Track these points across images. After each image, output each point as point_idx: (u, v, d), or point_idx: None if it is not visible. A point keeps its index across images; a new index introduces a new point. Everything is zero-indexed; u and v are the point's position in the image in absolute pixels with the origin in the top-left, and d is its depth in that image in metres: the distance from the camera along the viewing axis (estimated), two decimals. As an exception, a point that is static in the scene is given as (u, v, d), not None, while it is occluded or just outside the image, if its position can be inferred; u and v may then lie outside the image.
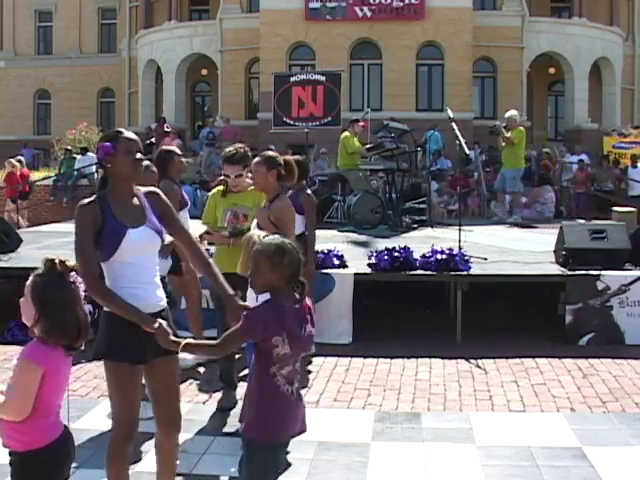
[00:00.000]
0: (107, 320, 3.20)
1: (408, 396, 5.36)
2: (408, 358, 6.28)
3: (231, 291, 3.20)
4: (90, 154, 18.57)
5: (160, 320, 3.00)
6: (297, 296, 2.86)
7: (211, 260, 3.37)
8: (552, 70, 24.14)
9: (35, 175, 19.48)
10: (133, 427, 3.21)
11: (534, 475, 3.99)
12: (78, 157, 18.39)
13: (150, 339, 3.04)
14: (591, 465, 4.10)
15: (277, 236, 2.96)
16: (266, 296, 3.04)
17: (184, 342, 2.89)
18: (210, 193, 5.31)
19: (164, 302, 3.31)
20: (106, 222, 3.14)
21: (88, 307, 2.57)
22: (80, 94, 28.27)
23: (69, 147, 19.55)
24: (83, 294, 2.56)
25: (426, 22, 20.92)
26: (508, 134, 12.24)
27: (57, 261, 2.50)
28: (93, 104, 28.79)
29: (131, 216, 3.20)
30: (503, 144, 12.47)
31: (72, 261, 2.56)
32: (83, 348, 2.60)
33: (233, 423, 4.76)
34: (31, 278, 2.51)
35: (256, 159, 4.73)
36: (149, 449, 4.02)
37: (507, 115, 12.63)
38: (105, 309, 3.22)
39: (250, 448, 2.85)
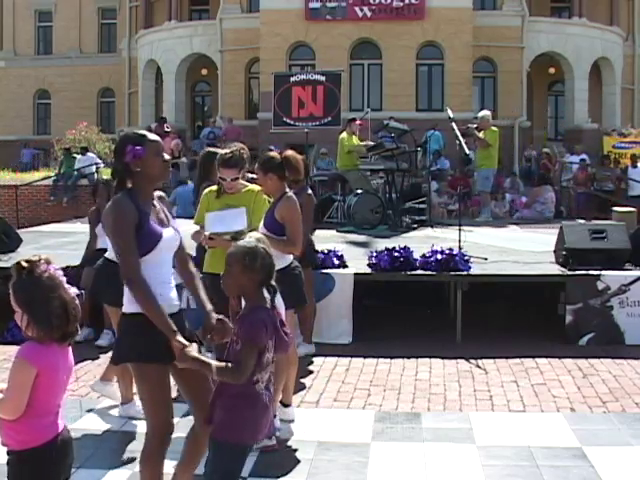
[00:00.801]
0: (129, 323, 3.20)
1: (408, 396, 5.36)
2: (408, 358, 6.28)
3: (210, 306, 3.25)
4: (90, 154, 18.58)
5: (189, 345, 2.98)
6: (268, 301, 2.88)
7: (197, 274, 3.44)
8: (552, 70, 24.14)
9: (35, 175, 19.49)
10: (168, 428, 3.20)
11: (534, 475, 3.99)
12: (78, 157, 18.39)
13: None
14: (591, 465, 4.10)
15: (253, 239, 2.99)
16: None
17: (214, 365, 2.83)
18: (203, 192, 5.18)
19: (178, 302, 3.34)
20: (144, 221, 3.17)
21: (74, 290, 2.55)
22: (80, 94, 28.25)
23: (68, 147, 19.55)
24: (64, 279, 2.55)
25: (426, 22, 20.91)
26: (481, 134, 12.20)
27: (22, 261, 2.51)
28: (93, 104, 28.77)
29: (159, 217, 3.27)
30: (476, 144, 12.40)
31: (37, 256, 2.55)
32: (80, 332, 2.60)
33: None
34: (10, 289, 2.52)
35: (256, 166, 4.71)
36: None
37: (480, 115, 12.56)
38: (125, 312, 3.22)
39: (219, 449, 2.85)
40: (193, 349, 2.96)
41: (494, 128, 12.54)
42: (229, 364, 2.83)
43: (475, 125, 12.50)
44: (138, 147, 3.19)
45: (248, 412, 2.81)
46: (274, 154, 4.81)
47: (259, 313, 2.84)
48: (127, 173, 3.24)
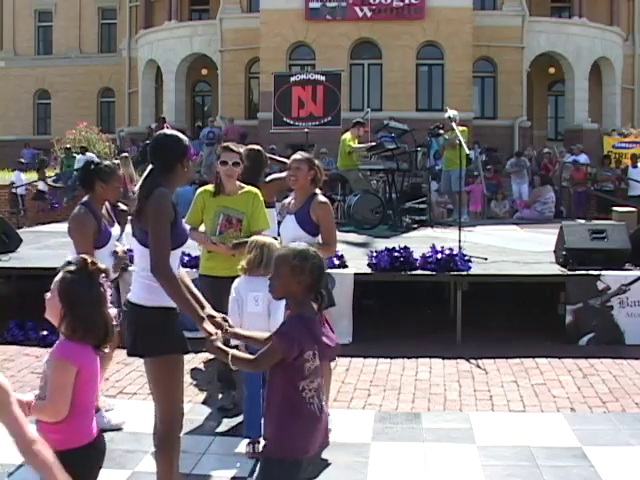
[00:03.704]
0: (155, 317, 3.27)
1: (408, 396, 5.36)
2: (408, 358, 6.28)
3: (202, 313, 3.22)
4: (89, 154, 18.56)
5: (216, 329, 3.05)
6: (315, 307, 2.79)
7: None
8: (552, 70, 24.16)
9: (35, 175, 19.49)
10: (183, 414, 3.41)
11: (534, 475, 3.99)
12: (78, 157, 18.38)
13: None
14: (591, 465, 4.10)
15: (303, 243, 2.97)
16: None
17: (231, 353, 2.84)
18: (197, 191, 5.02)
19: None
20: (178, 219, 3.31)
21: (114, 311, 2.57)
22: (80, 94, 28.28)
23: (68, 146, 19.54)
24: (110, 298, 2.56)
25: (426, 22, 20.92)
26: (447, 134, 12.12)
27: (89, 261, 2.51)
28: (93, 104, 28.81)
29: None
30: (446, 145, 12.24)
31: (103, 265, 2.56)
32: (107, 351, 2.61)
33: (232, 423, 4.77)
34: (60, 274, 2.51)
35: (296, 157, 4.63)
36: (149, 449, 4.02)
37: (447, 115, 12.35)
38: (145, 305, 3.28)
39: (269, 465, 2.76)
40: (219, 338, 2.97)
41: (462, 128, 12.40)
42: (247, 356, 2.87)
43: (440, 124, 12.45)
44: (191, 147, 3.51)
45: (295, 423, 2.70)
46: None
47: (295, 324, 2.75)
48: (172, 169, 3.37)
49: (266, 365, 2.77)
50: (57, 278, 2.50)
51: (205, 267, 4.93)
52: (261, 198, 4.85)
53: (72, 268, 2.50)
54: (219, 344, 2.91)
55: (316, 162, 4.67)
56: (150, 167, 3.37)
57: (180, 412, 3.37)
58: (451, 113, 11.29)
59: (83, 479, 2.48)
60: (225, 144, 4.94)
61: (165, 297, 3.22)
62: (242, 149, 5.02)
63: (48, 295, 2.51)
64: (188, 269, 5.96)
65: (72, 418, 2.44)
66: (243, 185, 4.89)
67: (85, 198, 4.66)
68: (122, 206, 7.06)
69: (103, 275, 2.52)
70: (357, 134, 11.99)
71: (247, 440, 4.25)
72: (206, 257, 4.93)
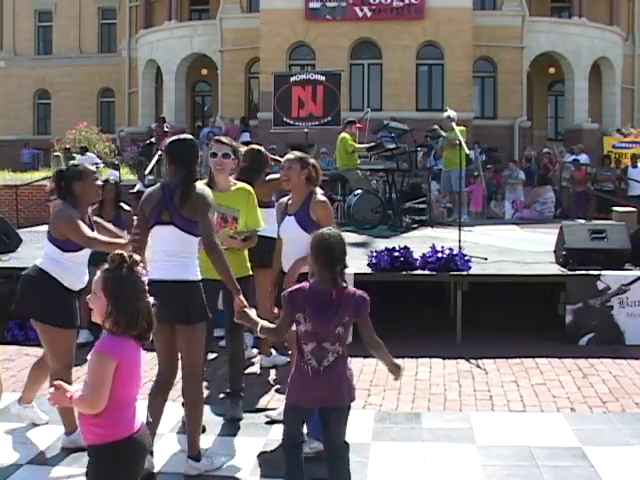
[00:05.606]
0: (198, 289, 3.97)
1: (408, 396, 5.36)
2: (408, 358, 6.28)
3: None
4: (89, 154, 18.56)
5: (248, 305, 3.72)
6: (332, 282, 3.24)
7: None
8: (552, 70, 24.17)
9: (35, 175, 19.49)
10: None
11: (534, 475, 3.99)
12: (77, 157, 18.37)
13: None
14: (591, 465, 4.10)
15: (331, 227, 3.42)
16: None
17: (260, 324, 3.45)
18: None
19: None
20: None
21: (151, 299, 2.62)
22: (80, 94, 28.29)
23: (68, 146, 19.53)
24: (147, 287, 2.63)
25: (426, 22, 20.93)
26: (446, 134, 12.11)
27: (126, 255, 2.56)
28: (93, 104, 28.80)
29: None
30: (445, 145, 12.20)
31: (137, 256, 2.63)
32: (151, 338, 2.65)
33: (232, 423, 4.77)
34: (100, 274, 2.55)
35: (289, 157, 4.60)
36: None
37: (446, 115, 12.30)
38: (192, 280, 3.92)
39: None
40: (252, 310, 3.65)
41: (461, 127, 12.39)
42: (271, 325, 3.47)
43: (435, 125, 12.44)
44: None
45: (292, 376, 3.34)
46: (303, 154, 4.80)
47: (293, 288, 3.34)
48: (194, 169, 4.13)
49: (284, 329, 3.34)
50: (97, 278, 2.56)
51: (204, 269, 4.88)
52: (254, 196, 4.83)
53: (112, 266, 2.56)
54: (253, 315, 3.57)
55: (310, 161, 4.62)
56: (178, 169, 3.94)
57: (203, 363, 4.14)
58: (450, 113, 11.27)
59: (125, 472, 2.53)
60: (217, 137, 4.90)
61: (195, 272, 3.96)
62: (240, 147, 4.99)
63: (90, 297, 2.56)
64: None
65: (111, 412, 2.47)
66: (235, 181, 4.84)
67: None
68: (125, 206, 7.06)
69: (142, 265, 2.60)
70: (352, 132, 12.01)
71: None
72: (204, 258, 4.82)
